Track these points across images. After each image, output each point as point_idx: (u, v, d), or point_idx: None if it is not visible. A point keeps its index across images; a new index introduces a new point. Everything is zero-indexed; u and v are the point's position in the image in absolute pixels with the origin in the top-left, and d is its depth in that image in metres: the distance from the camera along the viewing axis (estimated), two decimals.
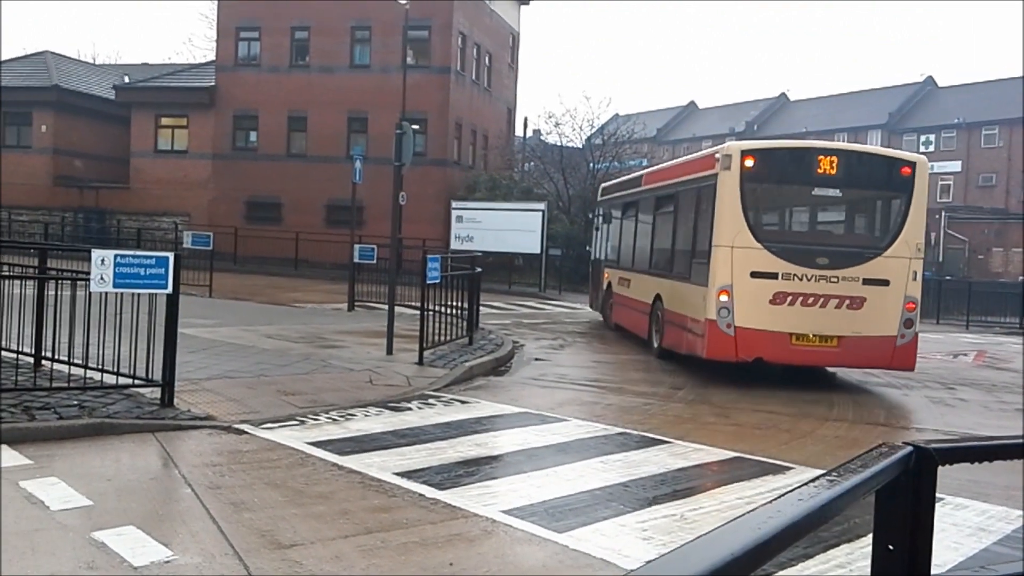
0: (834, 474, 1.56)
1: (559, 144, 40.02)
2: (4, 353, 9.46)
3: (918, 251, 12.38)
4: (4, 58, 43.79)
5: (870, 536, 1.80)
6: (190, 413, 8.33)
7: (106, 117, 40.55)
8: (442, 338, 13.45)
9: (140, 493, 6.16)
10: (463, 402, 10.11)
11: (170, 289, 8.24)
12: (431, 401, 10.02)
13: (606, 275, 20.10)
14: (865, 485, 1.58)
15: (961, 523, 6.11)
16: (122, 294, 8.43)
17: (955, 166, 61.86)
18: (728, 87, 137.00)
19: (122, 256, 8.12)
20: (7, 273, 10.19)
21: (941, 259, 47.12)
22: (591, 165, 38.21)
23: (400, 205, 15.70)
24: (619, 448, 8.13)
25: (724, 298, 12.01)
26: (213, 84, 38.36)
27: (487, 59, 40.68)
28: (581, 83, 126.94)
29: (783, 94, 78.39)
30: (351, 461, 7.11)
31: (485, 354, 13.56)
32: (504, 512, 5.96)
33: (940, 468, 1.79)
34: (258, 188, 37.53)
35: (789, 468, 7.60)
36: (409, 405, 9.69)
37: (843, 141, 63.19)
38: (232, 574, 4.72)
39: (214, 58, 39.81)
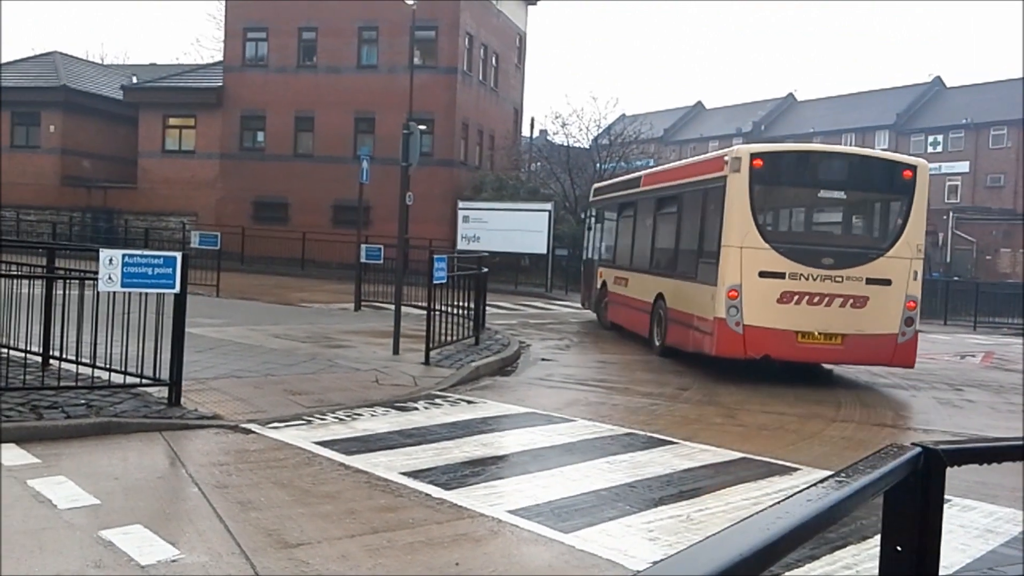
0: (843, 475, 1.56)
1: (566, 144, 40.01)
2: (12, 352, 9.50)
3: (918, 252, 12.74)
4: (14, 59, 44.05)
5: (876, 537, 1.80)
6: (197, 412, 8.35)
7: (114, 117, 40.68)
8: (448, 338, 13.45)
9: (147, 492, 6.18)
10: (469, 402, 10.11)
11: (178, 289, 8.26)
12: (437, 401, 10.03)
13: (600, 274, 20.18)
14: (874, 486, 1.58)
15: (968, 525, 6.09)
16: (130, 294, 8.45)
17: (963, 167, 61.64)
18: (735, 87, 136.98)
19: (130, 256, 8.14)
20: (15, 272, 10.24)
21: (949, 260, 46.96)
22: (598, 165, 38.20)
23: (407, 205, 15.70)
24: (625, 449, 8.12)
25: (733, 297, 12.26)
26: (221, 84, 38.45)
27: (494, 59, 40.69)
28: (588, 83, 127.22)
29: (790, 94, 78.20)
30: (357, 461, 7.11)
31: (491, 354, 13.57)
32: (510, 512, 5.95)
33: (948, 469, 1.79)
34: (265, 188, 37.60)
35: (796, 469, 7.59)
36: (415, 405, 9.70)
37: (851, 141, 63.22)
38: (239, 573, 4.72)
39: (222, 59, 39.91)
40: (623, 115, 52.55)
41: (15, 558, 4.77)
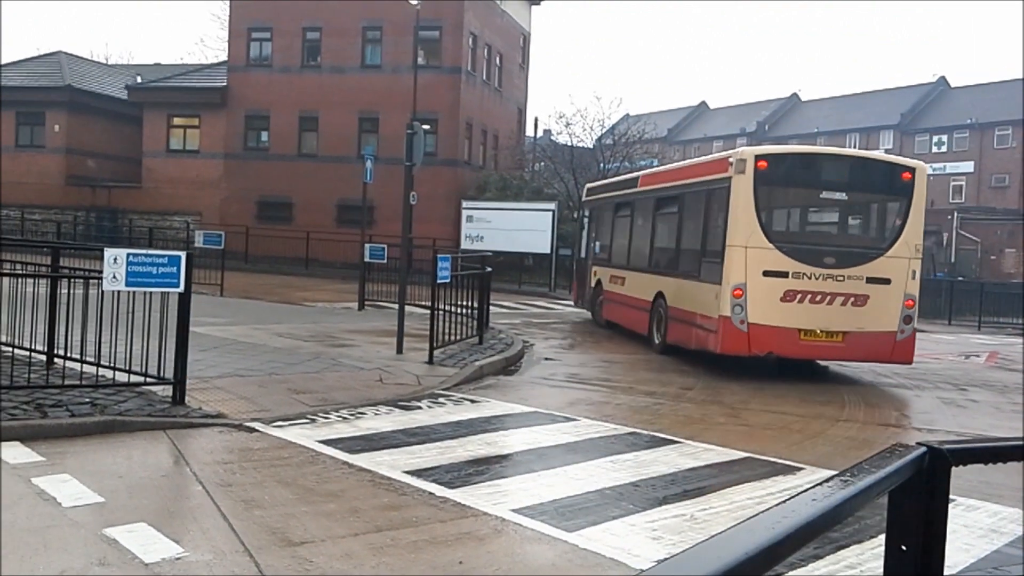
0: (848, 474, 1.56)
1: (570, 144, 39.97)
2: (17, 351, 9.53)
3: (917, 251, 13.02)
4: (18, 58, 44.16)
5: (880, 536, 1.80)
6: (201, 411, 8.36)
7: (118, 117, 40.74)
8: (452, 337, 13.46)
9: (151, 490, 6.19)
10: (473, 401, 10.11)
11: (182, 288, 8.28)
12: (441, 400, 10.03)
13: (595, 272, 20.13)
14: (879, 485, 1.57)
15: (972, 524, 6.08)
16: (134, 293, 8.47)
17: (968, 167, 61.53)
18: (739, 87, 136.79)
19: (134, 255, 8.15)
20: (20, 272, 10.26)
21: (953, 260, 46.87)
22: (602, 165, 38.15)
23: (411, 205, 15.73)
24: (629, 448, 8.12)
25: (738, 296, 12.42)
26: (225, 84, 38.50)
27: (498, 59, 40.69)
28: (592, 83, 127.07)
29: (794, 94, 78.12)
30: (361, 459, 7.12)
31: (495, 353, 13.57)
32: (514, 511, 5.95)
33: (953, 469, 1.79)
34: (269, 188, 37.63)
35: (800, 469, 7.58)
36: (419, 404, 9.70)
37: (855, 141, 63.17)
38: (243, 571, 4.73)
39: (226, 58, 39.97)
40: (627, 115, 52.49)
41: (19, 555, 4.78)
